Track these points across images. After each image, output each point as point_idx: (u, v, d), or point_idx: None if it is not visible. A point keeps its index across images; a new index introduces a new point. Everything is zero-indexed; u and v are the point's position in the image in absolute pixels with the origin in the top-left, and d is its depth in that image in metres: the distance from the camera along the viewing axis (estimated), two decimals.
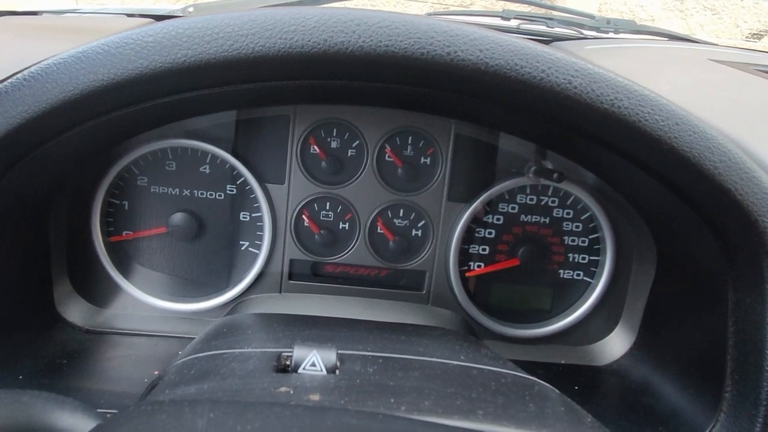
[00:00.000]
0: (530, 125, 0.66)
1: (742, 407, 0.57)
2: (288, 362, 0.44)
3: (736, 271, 0.60)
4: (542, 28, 1.33)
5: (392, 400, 0.39)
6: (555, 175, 0.68)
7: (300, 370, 0.43)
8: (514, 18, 1.34)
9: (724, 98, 0.86)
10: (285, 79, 0.55)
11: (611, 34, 1.35)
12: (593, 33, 1.35)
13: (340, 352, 0.46)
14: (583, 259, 0.78)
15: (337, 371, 0.43)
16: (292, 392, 0.39)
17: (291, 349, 0.44)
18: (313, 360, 0.43)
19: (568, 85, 0.52)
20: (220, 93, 0.57)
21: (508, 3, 1.42)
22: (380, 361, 0.47)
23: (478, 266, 0.77)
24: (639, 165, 0.59)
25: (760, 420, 0.55)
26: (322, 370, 0.43)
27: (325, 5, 1.20)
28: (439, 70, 0.51)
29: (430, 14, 1.32)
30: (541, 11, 1.45)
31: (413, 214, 0.76)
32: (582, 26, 1.35)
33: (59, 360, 0.64)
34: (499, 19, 1.35)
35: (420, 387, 0.43)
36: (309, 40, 0.49)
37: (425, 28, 0.50)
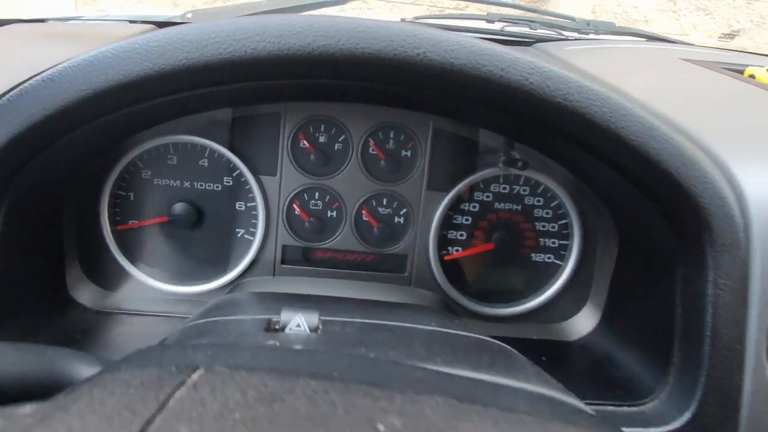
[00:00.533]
0: (498, 119, 0.72)
1: (687, 371, 0.64)
2: (276, 325, 0.50)
3: (683, 248, 0.66)
4: (525, 30, 1.40)
5: (363, 350, 0.45)
6: (519, 164, 0.75)
7: (286, 330, 0.49)
8: (498, 21, 1.41)
9: (685, 94, 0.92)
10: (275, 79, 0.61)
11: (591, 35, 1.42)
12: (574, 34, 1.41)
13: (322, 317, 0.52)
14: (553, 243, 0.84)
15: (319, 330, 0.50)
16: (278, 344, 0.46)
17: (279, 315, 0.51)
18: (298, 321, 0.50)
19: (524, 82, 0.58)
20: (217, 92, 0.63)
21: (493, 6, 1.48)
22: (358, 324, 0.54)
23: (456, 250, 0.83)
24: (594, 154, 0.66)
25: (702, 381, 0.62)
26: (305, 330, 0.49)
27: (317, 12, 1.26)
28: (410, 69, 0.58)
29: (417, 17, 1.38)
30: (525, 14, 1.52)
31: (395, 203, 0.82)
32: (563, 28, 1.42)
33: (72, 335, 0.70)
34: (484, 22, 1.41)
35: (390, 342, 0.49)
36: (295, 44, 0.55)
37: (398, 32, 0.57)
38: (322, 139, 0.80)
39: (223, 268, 0.82)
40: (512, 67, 0.58)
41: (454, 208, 0.82)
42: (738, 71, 1.09)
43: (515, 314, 0.85)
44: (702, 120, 0.77)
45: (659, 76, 1.05)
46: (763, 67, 1.07)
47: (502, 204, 0.83)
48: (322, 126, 0.80)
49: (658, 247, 0.72)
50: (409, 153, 0.81)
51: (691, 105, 0.86)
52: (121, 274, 0.81)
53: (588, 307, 0.85)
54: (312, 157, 0.80)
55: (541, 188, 0.83)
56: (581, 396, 0.70)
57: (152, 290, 0.81)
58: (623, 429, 0.63)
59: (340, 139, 0.80)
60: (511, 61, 0.58)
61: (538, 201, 0.83)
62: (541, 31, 1.42)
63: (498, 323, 0.85)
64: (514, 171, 0.80)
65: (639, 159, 0.61)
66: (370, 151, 0.81)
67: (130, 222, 0.81)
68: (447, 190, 0.81)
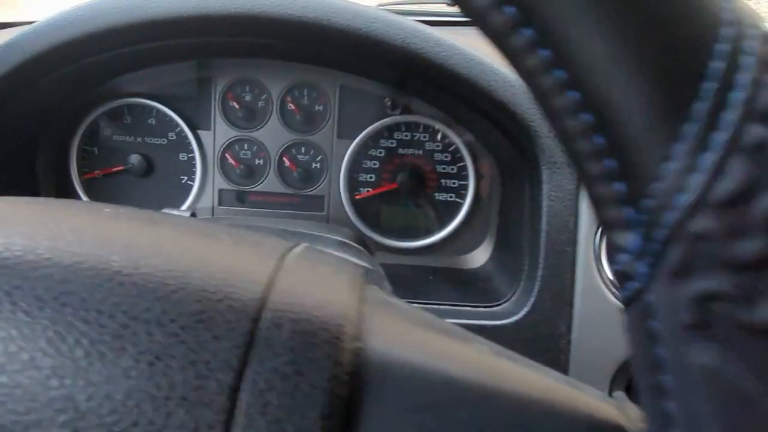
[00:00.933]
0: (383, 71, 0.85)
1: (531, 274, 0.75)
2: None
3: (527, 170, 0.77)
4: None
5: None
6: (390, 102, 0.88)
7: None
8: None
9: None
10: (190, 36, 0.76)
11: None
12: None
13: (198, 216, 0.67)
14: (453, 183, 0.96)
15: None
16: None
17: None
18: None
19: (368, 30, 0.71)
20: (160, 47, 0.79)
21: None
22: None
23: (367, 191, 0.96)
24: (449, 93, 0.77)
25: (538, 279, 0.73)
26: None
27: None
28: (283, 25, 0.72)
29: (381, 4, 1.51)
30: None
31: (312, 151, 0.96)
32: None
33: None
34: (445, 5, 1.53)
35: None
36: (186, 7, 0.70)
37: None
38: (247, 98, 0.95)
39: (170, 209, 0.98)
40: (356, 18, 0.71)
41: (363, 153, 0.95)
42: None
43: (421, 247, 0.96)
44: None
45: None
46: None
47: (405, 149, 0.95)
48: (247, 87, 0.95)
49: (517, 174, 0.83)
50: (321, 107, 0.95)
51: None
52: None
53: (486, 241, 0.96)
54: (239, 113, 0.95)
55: (439, 134, 0.94)
56: (452, 300, 0.81)
57: None
58: (478, 321, 0.74)
59: (262, 98, 0.95)
60: (355, 13, 0.71)
61: (437, 146, 0.95)
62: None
63: (406, 255, 0.97)
64: (399, 117, 0.92)
65: (476, 91, 0.73)
66: (288, 107, 0.95)
67: (95, 172, 0.98)
68: (354, 138, 0.94)
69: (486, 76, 0.71)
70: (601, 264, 0.73)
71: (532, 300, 0.72)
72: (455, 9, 1.52)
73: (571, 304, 0.72)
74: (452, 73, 0.71)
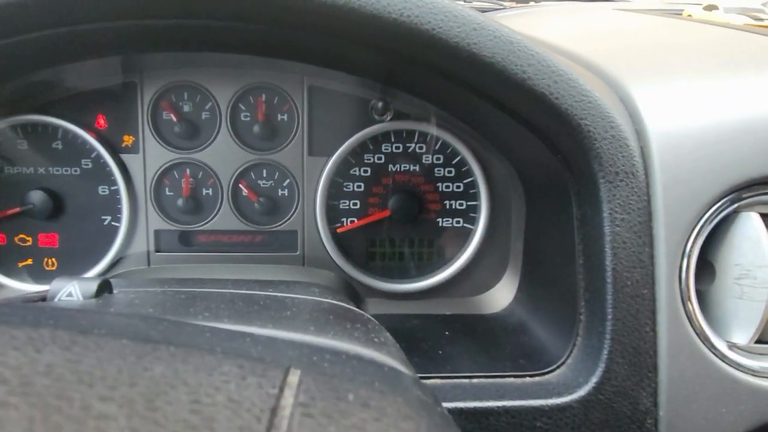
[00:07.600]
0: (365, 59, 0.64)
1: (593, 328, 0.54)
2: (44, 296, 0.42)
3: (577, 184, 0.57)
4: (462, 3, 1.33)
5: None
6: (381, 104, 0.67)
7: (55, 300, 0.41)
8: None
9: (598, 32, 0.84)
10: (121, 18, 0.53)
11: (531, 3, 1.36)
12: (513, 3, 1.36)
13: (109, 279, 0.43)
14: (461, 205, 0.75)
15: (99, 299, 0.41)
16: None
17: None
18: (70, 290, 0.41)
19: (356, 2, 0.50)
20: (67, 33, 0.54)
21: None
22: (152, 292, 0.45)
23: (351, 221, 0.74)
24: (460, 83, 0.57)
25: (607, 337, 0.52)
26: (78, 299, 0.41)
27: None
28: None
29: None
30: None
31: (277, 174, 0.73)
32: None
33: None
34: None
35: (184, 304, 0.40)
36: None
37: None
38: (186, 108, 0.72)
39: (91, 261, 0.74)
40: None
41: (342, 174, 0.73)
42: (677, 13, 1.03)
43: (425, 289, 0.75)
44: (604, 48, 0.69)
45: (579, 22, 0.97)
46: (699, 5, 0.99)
47: (397, 165, 0.74)
48: (185, 94, 0.72)
49: (558, 191, 0.63)
50: (285, 116, 0.72)
51: (602, 40, 0.78)
52: None
53: (507, 276, 0.75)
54: (177, 128, 0.71)
55: (440, 144, 0.74)
56: (477, 366, 0.60)
57: (13, 291, 0.72)
58: (529, 401, 0.53)
59: (206, 107, 0.72)
60: None
61: (438, 158, 0.74)
62: (478, 3, 1.35)
63: (405, 300, 0.75)
64: (387, 125, 0.71)
65: (500, 78, 0.52)
66: (242, 118, 0.72)
67: None
68: (330, 155, 0.72)
69: (517, 59, 0.51)
70: (692, 309, 0.53)
71: (601, 366, 0.52)
72: None
73: (655, 368, 0.52)
74: (469, 54, 0.51)
